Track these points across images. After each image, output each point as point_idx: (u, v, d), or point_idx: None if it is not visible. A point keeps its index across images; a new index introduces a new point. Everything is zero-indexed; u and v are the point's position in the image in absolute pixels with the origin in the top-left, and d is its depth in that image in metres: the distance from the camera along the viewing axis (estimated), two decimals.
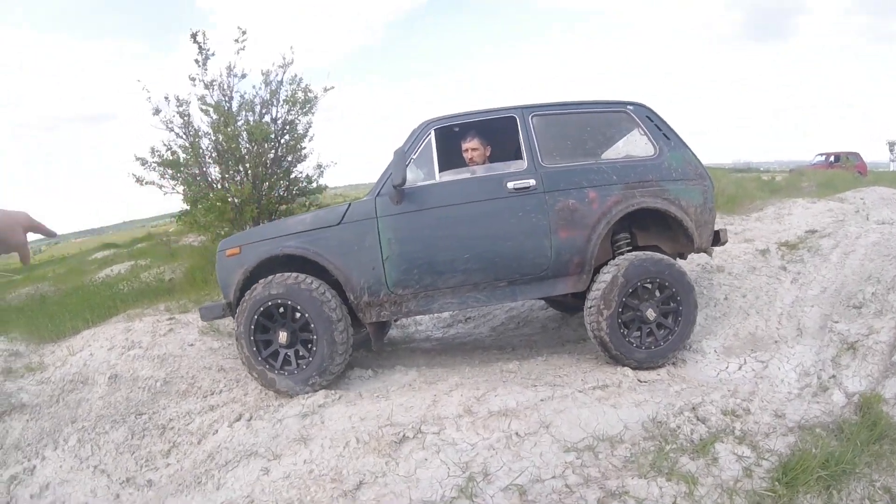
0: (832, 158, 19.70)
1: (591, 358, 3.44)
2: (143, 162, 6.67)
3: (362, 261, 3.31)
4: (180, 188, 6.64)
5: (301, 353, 3.32)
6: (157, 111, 6.67)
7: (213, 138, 6.50)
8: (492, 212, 3.32)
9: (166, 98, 6.72)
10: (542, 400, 2.76)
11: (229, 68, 6.66)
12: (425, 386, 3.13)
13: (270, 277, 3.32)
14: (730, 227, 6.07)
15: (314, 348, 3.26)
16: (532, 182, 3.33)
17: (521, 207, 3.31)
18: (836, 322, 3.51)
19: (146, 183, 6.71)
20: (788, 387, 2.93)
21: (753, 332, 3.57)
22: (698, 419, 2.52)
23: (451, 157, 3.77)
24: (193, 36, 6.57)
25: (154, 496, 2.92)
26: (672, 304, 3.30)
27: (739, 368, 3.18)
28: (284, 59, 6.71)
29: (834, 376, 2.97)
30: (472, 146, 3.76)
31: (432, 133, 3.47)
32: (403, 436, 2.57)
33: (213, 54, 6.59)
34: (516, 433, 2.50)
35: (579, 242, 3.31)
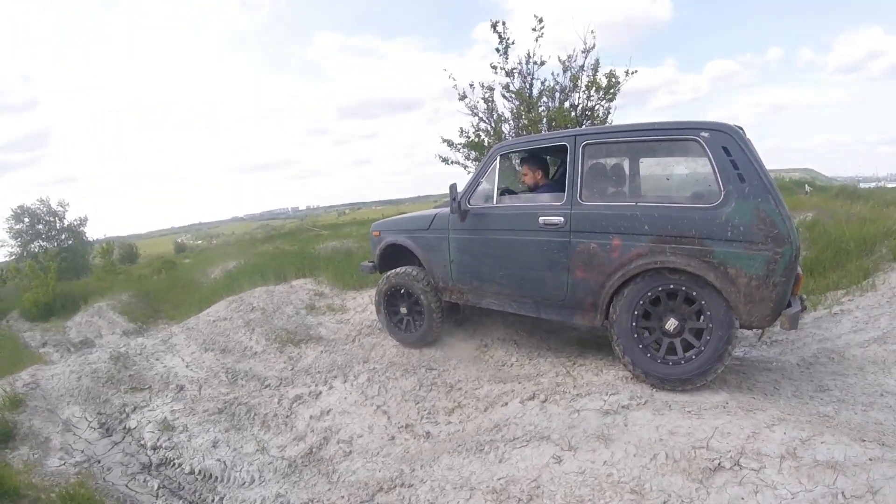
0: None
1: None
2: (450, 144, 7.28)
3: (439, 259, 4.18)
4: None
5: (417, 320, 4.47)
6: (462, 96, 7.14)
7: (514, 123, 6.79)
8: (523, 242, 3.58)
9: (471, 85, 7.14)
10: (870, 459, 2.25)
11: (528, 56, 6.77)
12: (741, 412, 2.79)
13: (389, 272, 4.51)
14: None
15: (424, 315, 4.34)
16: (560, 220, 3.37)
17: (547, 242, 3.45)
18: None
19: (452, 162, 7.35)
20: None
21: None
22: None
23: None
24: (493, 26, 6.80)
25: (430, 447, 3.10)
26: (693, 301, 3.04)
27: None
28: (585, 43, 6.52)
29: None
30: (522, 171, 4.19)
31: (497, 158, 3.81)
32: (719, 464, 2.34)
33: (513, 43, 6.74)
34: (842, 493, 2.10)
35: (593, 286, 3.29)
